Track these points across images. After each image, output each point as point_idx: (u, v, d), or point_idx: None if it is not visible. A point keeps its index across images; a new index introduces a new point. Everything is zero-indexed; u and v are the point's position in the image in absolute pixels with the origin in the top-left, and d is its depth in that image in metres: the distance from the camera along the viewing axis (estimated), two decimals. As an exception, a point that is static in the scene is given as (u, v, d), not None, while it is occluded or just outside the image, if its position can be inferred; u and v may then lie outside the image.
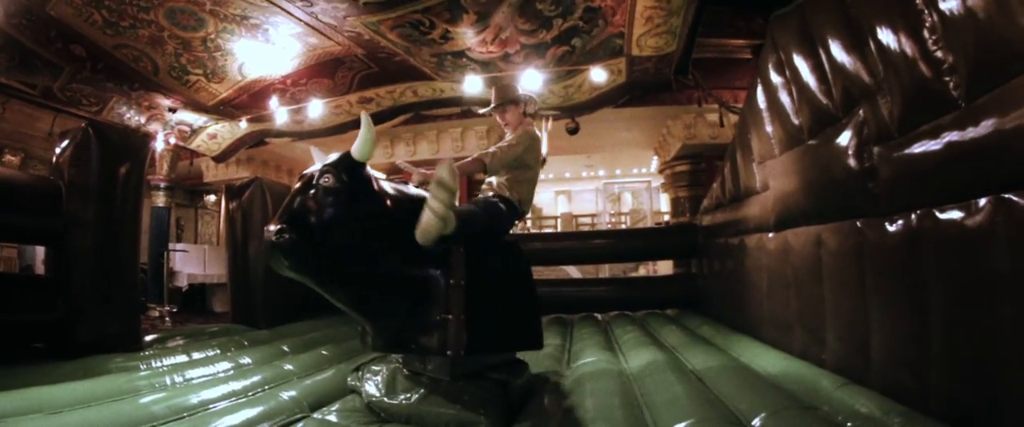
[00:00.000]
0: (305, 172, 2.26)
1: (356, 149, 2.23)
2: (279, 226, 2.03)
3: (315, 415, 2.34)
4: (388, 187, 2.40)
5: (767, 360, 2.94)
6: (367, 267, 2.24)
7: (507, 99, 2.88)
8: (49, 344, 3.37)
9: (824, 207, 2.64)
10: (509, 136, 2.79)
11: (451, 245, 2.34)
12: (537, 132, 2.89)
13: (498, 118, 2.91)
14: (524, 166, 2.77)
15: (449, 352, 2.27)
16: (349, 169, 2.20)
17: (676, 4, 4.30)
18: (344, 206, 2.14)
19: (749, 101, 3.63)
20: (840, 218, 2.47)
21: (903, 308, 2.01)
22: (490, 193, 2.75)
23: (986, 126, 1.55)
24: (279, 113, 6.48)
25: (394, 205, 2.33)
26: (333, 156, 2.26)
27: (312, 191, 2.14)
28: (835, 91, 2.44)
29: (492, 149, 2.64)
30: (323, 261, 2.13)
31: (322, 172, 2.15)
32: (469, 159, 2.57)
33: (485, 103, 3.02)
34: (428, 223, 2.08)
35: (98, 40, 5.27)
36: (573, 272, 10.95)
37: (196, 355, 3.56)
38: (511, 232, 3.33)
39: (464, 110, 7.00)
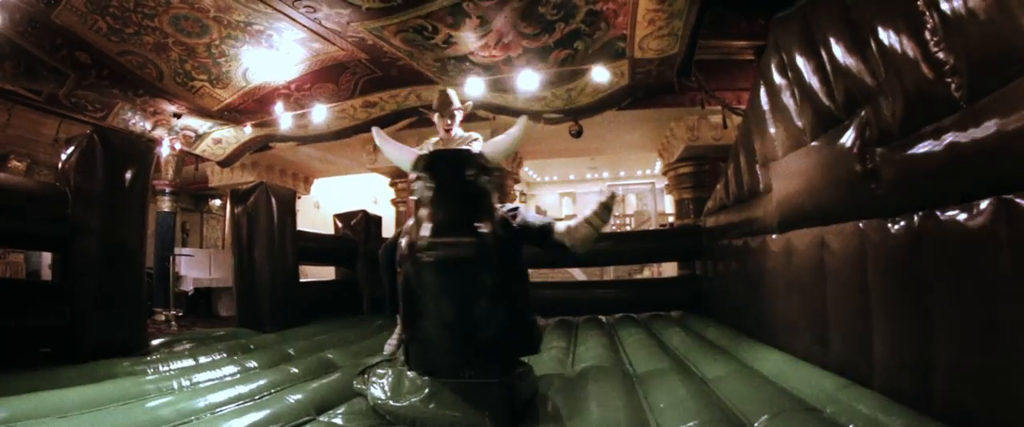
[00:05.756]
0: None
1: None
2: None
3: (321, 418, 2.35)
4: None
5: (770, 362, 2.94)
6: None
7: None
8: (56, 349, 3.39)
9: (826, 209, 2.63)
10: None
11: None
12: None
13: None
14: None
15: None
16: None
17: (678, 6, 4.31)
18: None
19: (751, 103, 3.63)
20: (842, 220, 2.46)
21: (905, 310, 2.00)
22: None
23: (988, 127, 1.55)
24: (283, 118, 6.51)
25: None
26: None
27: None
28: (837, 92, 2.44)
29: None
30: None
31: None
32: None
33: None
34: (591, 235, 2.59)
35: (103, 47, 5.31)
36: (577, 274, 10.95)
37: (202, 359, 3.58)
38: None
39: (467, 114, 7.01)
